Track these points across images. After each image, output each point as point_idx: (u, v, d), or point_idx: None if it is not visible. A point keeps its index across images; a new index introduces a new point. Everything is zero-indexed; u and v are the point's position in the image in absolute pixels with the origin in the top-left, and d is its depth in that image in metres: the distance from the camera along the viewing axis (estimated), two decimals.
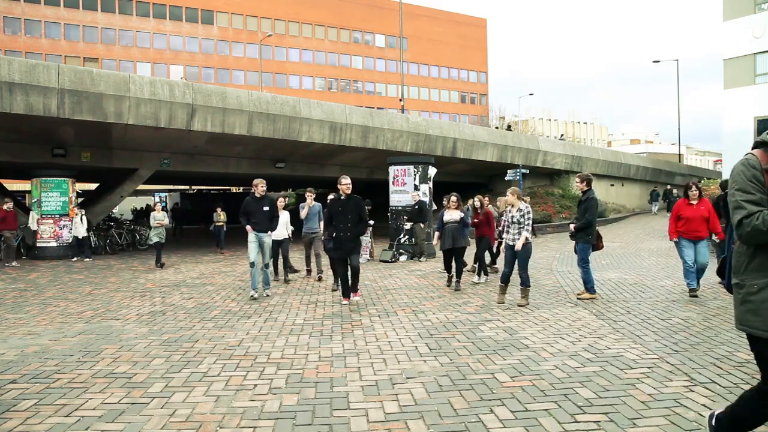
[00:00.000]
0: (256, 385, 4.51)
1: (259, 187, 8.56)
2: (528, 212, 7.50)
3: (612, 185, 30.61)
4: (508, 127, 42.21)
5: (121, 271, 12.53)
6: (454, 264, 9.13)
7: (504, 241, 7.78)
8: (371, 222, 11.56)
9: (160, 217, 13.27)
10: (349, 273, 7.95)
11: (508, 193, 7.67)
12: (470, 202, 10.64)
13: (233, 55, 58.51)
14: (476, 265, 10.11)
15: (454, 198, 9.17)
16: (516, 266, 7.64)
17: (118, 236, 18.17)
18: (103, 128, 14.56)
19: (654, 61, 40.76)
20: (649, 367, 4.75)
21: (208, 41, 57.43)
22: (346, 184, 7.80)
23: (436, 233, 9.23)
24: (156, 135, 15.56)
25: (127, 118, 14.07)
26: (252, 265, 8.51)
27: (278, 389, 4.41)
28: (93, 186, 29.13)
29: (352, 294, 7.95)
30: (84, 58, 51.08)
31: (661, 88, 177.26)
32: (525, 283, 7.60)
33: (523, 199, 7.73)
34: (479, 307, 7.66)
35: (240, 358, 5.31)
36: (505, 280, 7.72)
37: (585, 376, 4.58)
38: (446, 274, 9.65)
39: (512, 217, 7.54)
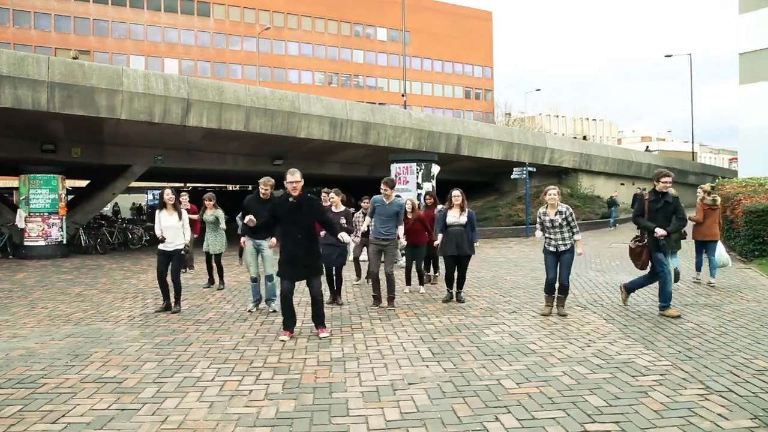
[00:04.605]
0: (251, 391, 4.48)
1: (261, 187, 7.46)
2: (571, 212, 7.17)
3: (622, 184, 30.60)
4: (584, 138, 42.52)
5: (112, 272, 12.50)
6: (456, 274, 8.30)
7: (545, 245, 7.27)
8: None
9: (208, 217, 9.76)
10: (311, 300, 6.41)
11: (554, 194, 7.11)
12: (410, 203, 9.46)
13: (230, 48, 58.54)
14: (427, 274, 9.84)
15: (456, 193, 8.01)
16: (559, 273, 7.21)
17: (109, 235, 18.15)
18: (94, 123, 14.55)
19: (666, 56, 40.68)
20: (661, 374, 4.72)
21: (205, 34, 57.46)
22: (292, 181, 6.07)
23: (440, 235, 8.15)
24: (150, 130, 15.55)
25: (120, 112, 14.06)
26: (254, 280, 7.72)
27: (275, 395, 4.39)
28: (84, 183, 29.13)
29: (317, 328, 6.33)
30: (75, 50, 51.11)
31: (674, 83, 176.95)
32: (566, 290, 7.26)
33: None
34: (484, 310, 7.62)
35: (235, 362, 5.28)
36: (550, 288, 7.24)
37: (594, 383, 4.54)
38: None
39: (552, 221, 7.09)
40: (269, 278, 7.62)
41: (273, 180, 7.66)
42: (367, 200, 10.15)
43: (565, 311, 7.21)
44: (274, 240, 7.39)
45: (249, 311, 7.70)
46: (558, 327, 6.53)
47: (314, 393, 4.41)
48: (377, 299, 7.93)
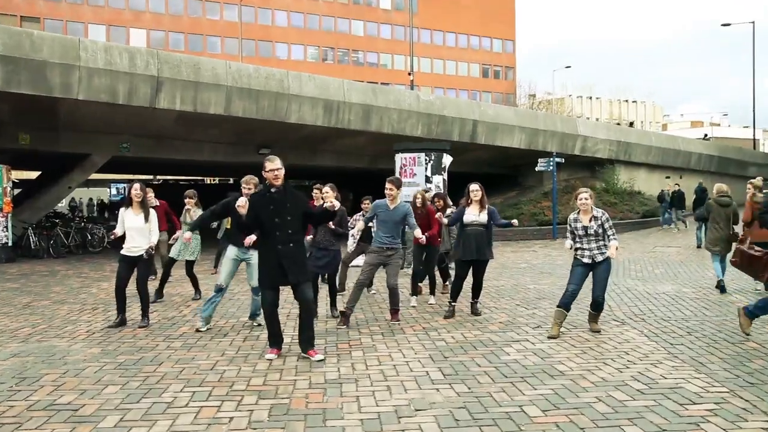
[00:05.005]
0: (232, 418, 4.49)
1: (244, 187, 7.35)
2: (608, 218, 7.13)
3: (668, 177, 30.48)
4: (631, 124, 42.48)
5: (67, 279, 12.53)
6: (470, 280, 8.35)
7: (576, 257, 7.21)
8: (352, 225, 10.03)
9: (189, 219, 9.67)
10: (300, 312, 6.25)
11: (586, 197, 7.06)
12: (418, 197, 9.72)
13: (207, 17, 58.61)
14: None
15: (475, 187, 8.07)
16: (591, 287, 7.15)
17: (65, 236, 18.17)
18: (46, 104, 14.55)
19: (723, 25, 39.83)
20: (716, 403, 4.71)
21: (177, 0, 57.47)
22: (273, 168, 6.02)
23: (445, 220, 8.40)
24: (113, 113, 15.56)
25: (77, 92, 14.06)
26: (220, 290, 7.44)
27: (259, 423, 4.39)
28: (34, 174, 29.21)
29: (307, 350, 6.12)
30: (21, 17, 51.06)
31: (732, 58, 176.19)
32: (601, 307, 7.21)
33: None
34: (503, 324, 7.62)
35: (213, 384, 5.29)
36: (568, 303, 7.12)
37: (635, 411, 4.54)
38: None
39: (585, 228, 7.04)
40: (256, 291, 7.50)
41: (257, 179, 7.54)
42: (368, 201, 10.11)
43: (599, 326, 7.20)
44: (252, 237, 7.13)
45: (197, 330, 7.44)
46: (591, 345, 6.52)
47: (305, 421, 4.41)
48: (345, 317, 7.64)
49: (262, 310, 7.30)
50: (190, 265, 9.75)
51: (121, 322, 7.72)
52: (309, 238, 8.38)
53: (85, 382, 5.37)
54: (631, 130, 34.10)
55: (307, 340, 6.12)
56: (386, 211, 7.83)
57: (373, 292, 10.17)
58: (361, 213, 10.41)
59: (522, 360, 5.96)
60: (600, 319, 7.36)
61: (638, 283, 10.86)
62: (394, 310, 7.93)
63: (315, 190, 9.52)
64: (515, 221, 8.50)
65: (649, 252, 16.37)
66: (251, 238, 7.19)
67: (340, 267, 10.34)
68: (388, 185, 7.84)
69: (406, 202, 8.45)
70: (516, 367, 5.73)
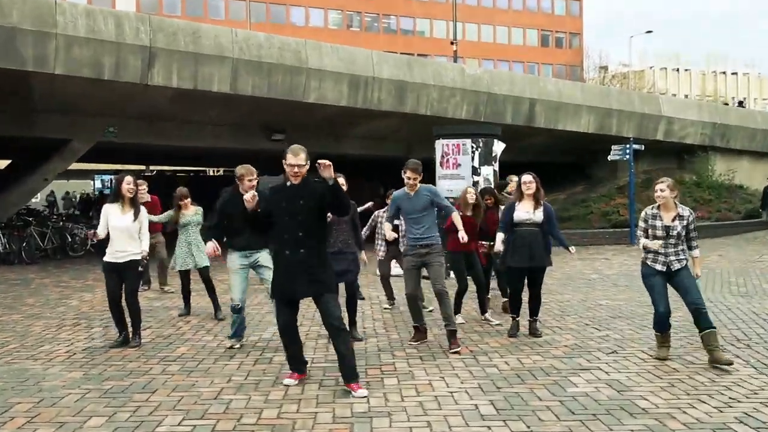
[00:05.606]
0: None
1: (246, 181, 7.52)
2: (694, 219, 7.00)
3: None
4: (740, 104, 41.81)
5: (43, 288, 12.73)
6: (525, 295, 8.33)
7: (647, 264, 7.12)
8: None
9: (192, 218, 9.87)
10: (329, 333, 6.35)
11: (664, 188, 6.89)
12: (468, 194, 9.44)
13: None
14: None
15: (528, 179, 8.07)
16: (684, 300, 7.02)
17: (40, 237, 18.44)
18: (17, 80, 14.71)
19: None
20: None
21: None
22: (294, 164, 5.93)
23: (500, 236, 8.23)
24: (97, 91, 15.74)
25: (54, 65, 14.22)
26: (238, 309, 7.64)
27: None
28: (3, 164, 29.73)
29: (348, 382, 5.98)
30: None
31: None
32: (708, 322, 6.85)
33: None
34: (569, 348, 7.54)
35: (217, 416, 5.31)
36: (664, 325, 7.07)
37: None
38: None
39: (667, 228, 6.88)
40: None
41: (255, 170, 7.62)
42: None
43: (722, 355, 6.79)
44: (210, 247, 7.64)
45: (232, 348, 7.67)
46: (681, 377, 6.40)
47: None
48: (420, 332, 7.88)
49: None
50: (206, 271, 9.69)
51: (125, 341, 7.79)
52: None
53: (64, 413, 5.42)
54: (730, 109, 33.52)
55: (347, 370, 5.97)
56: (407, 200, 7.75)
57: (429, 309, 9.95)
58: (385, 209, 10.41)
59: (593, 393, 5.88)
60: (689, 343, 7.20)
61: (741, 301, 10.65)
62: (451, 333, 7.54)
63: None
64: (573, 248, 8.35)
65: (755, 261, 16.06)
66: (210, 247, 7.62)
67: (381, 282, 10.44)
68: (408, 173, 7.64)
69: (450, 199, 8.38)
70: (586, 401, 5.66)
